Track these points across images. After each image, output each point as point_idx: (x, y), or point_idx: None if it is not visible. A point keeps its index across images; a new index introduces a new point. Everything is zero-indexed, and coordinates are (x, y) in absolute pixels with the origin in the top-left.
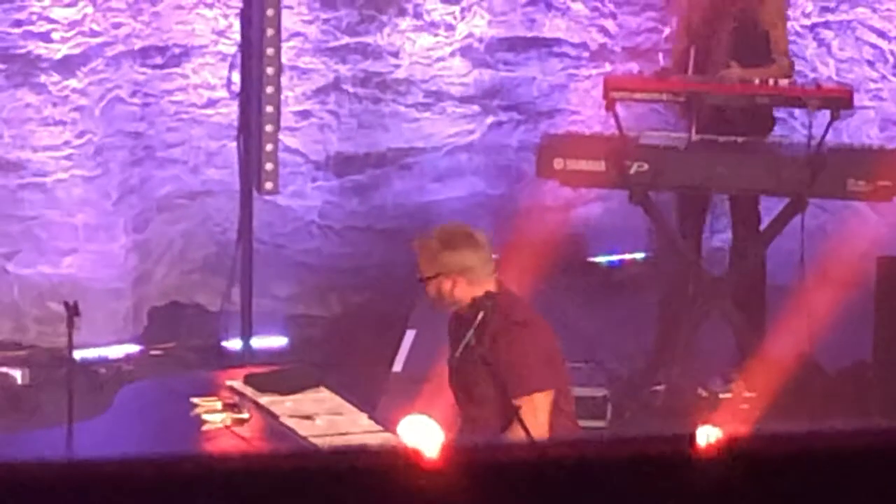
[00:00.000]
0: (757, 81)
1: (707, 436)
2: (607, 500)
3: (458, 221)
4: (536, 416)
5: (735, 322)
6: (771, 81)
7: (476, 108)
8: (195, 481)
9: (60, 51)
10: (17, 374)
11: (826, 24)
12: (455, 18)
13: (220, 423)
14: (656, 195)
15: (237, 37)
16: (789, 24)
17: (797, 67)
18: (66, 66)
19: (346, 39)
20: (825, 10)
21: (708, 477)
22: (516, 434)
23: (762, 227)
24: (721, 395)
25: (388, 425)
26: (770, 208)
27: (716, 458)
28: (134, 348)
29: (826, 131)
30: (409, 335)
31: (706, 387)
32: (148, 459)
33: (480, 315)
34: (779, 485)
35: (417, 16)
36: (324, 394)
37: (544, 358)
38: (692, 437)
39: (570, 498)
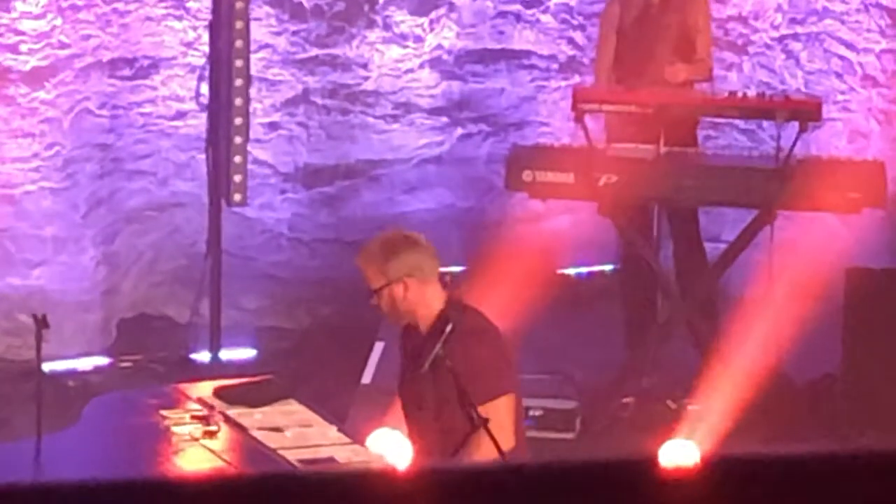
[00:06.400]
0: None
1: (677, 450)
2: None
3: (391, 229)
4: (501, 421)
5: (702, 334)
6: (740, 93)
7: (445, 119)
8: (162, 502)
9: (29, 63)
10: None
11: (795, 36)
12: (424, 30)
13: (188, 435)
14: (625, 207)
15: (206, 48)
16: (758, 35)
17: (765, 80)
18: (35, 77)
19: (314, 51)
20: (794, 21)
21: (674, 500)
22: (482, 440)
23: (730, 239)
24: (690, 408)
25: (358, 437)
26: (739, 220)
27: (682, 480)
28: (103, 360)
29: (794, 143)
30: (378, 347)
31: (675, 399)
32: (116, 482)
33: (450, 326)
34: None
35: (386, 28)
36: (293, 406)
37: (504, 363)
38: (657, 460)
39: None
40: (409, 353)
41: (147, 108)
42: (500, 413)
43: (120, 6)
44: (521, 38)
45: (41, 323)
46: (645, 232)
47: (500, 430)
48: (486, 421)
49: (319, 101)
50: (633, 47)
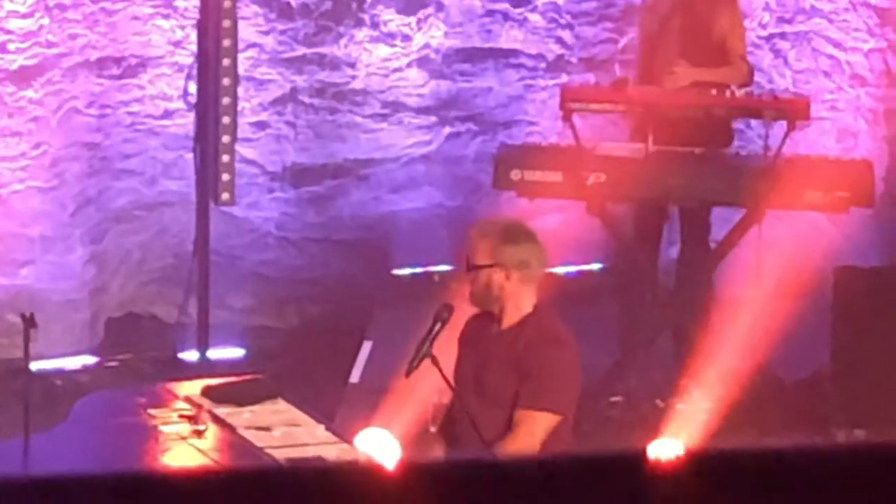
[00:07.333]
0: (709, 82)
1: (664, 448)
2: None
3: (517, 217)
4: (534, 434)
5: (691, 334)
6: (728, 92)
7: (433, 118)
8: (153, 496)
9: (16, 62)
10: None
11: (783, 35)
12: (412, 29)
13: (176, 434)
14: (614, 206)
15: (194, 48)
16: (746, 34)
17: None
18: (23, 77)
19: (302, 50)
20: (782, 20)
21: (663, 494)
22: (508, 444)
23: (718, 237)
24: (679, 407)
25: (346, 436)
26: (727, 219)
27: (670, 474)
28: (91, 360)
29: (783, 142)
30: (366, 346)
31: (664, 398)
32: (105, 475)
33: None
34: (734, 501)
35: (374, 26)
36: (281, 405)
37: (567, 383)
38: (646, 454)
39: None
40: (476, 342)
41: (135, 107)
42: (534, 425)
43: (107, 5)
44: (509, 37)
45: (29, 322)
46: (657, 232)
47: (528, 439)
48: (518, 421)
49: (307, 100)
50: (650, 52)
